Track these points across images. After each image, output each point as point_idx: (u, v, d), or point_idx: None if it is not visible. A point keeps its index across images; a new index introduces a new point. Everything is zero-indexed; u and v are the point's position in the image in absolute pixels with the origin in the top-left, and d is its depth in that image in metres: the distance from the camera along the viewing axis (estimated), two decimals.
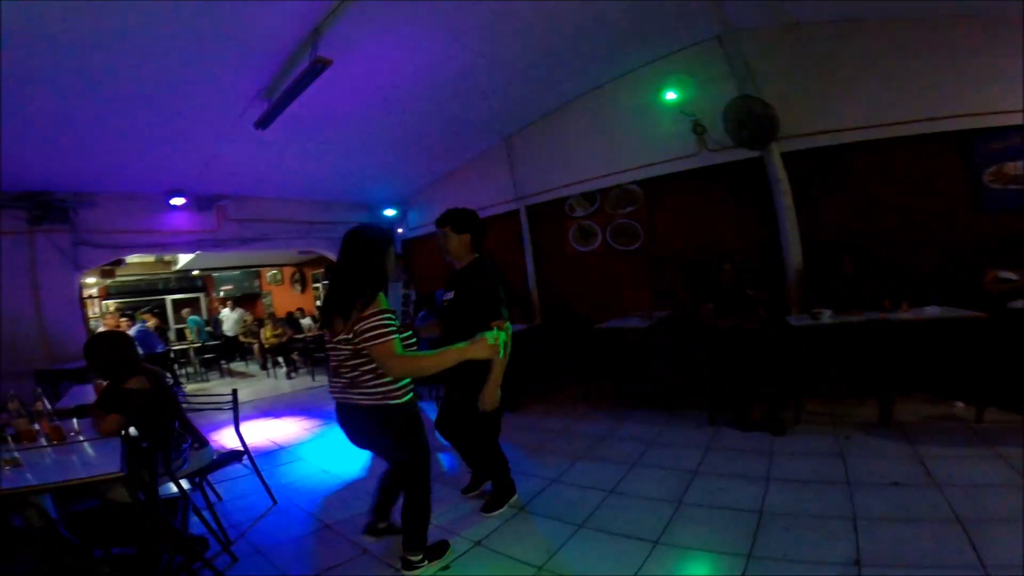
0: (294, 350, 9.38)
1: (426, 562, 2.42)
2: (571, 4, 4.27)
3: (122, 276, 10.92)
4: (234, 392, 3.38)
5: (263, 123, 4.64)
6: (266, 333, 9.68)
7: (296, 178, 6.84)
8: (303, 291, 12.68)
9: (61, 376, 5.16)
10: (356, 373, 2.16)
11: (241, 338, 10.92)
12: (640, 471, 3.35)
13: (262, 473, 3.41)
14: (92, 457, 2.25)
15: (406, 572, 2.38)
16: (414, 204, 8.62)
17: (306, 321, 10.59)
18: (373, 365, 2.11)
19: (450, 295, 2.89)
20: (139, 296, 12.18)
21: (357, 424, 2.28)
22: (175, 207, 6.65)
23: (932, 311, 3.87)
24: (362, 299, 2.09)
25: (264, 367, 9.78)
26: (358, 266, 2.20)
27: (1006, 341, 3.82)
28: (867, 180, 4.87)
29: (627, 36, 5.01)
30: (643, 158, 5.77)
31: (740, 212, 5.37)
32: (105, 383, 2.86)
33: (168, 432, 2.74)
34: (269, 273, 13.40)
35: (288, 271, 12.97)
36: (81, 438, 2.47)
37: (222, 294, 13.16)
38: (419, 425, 2.32)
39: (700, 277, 4.42)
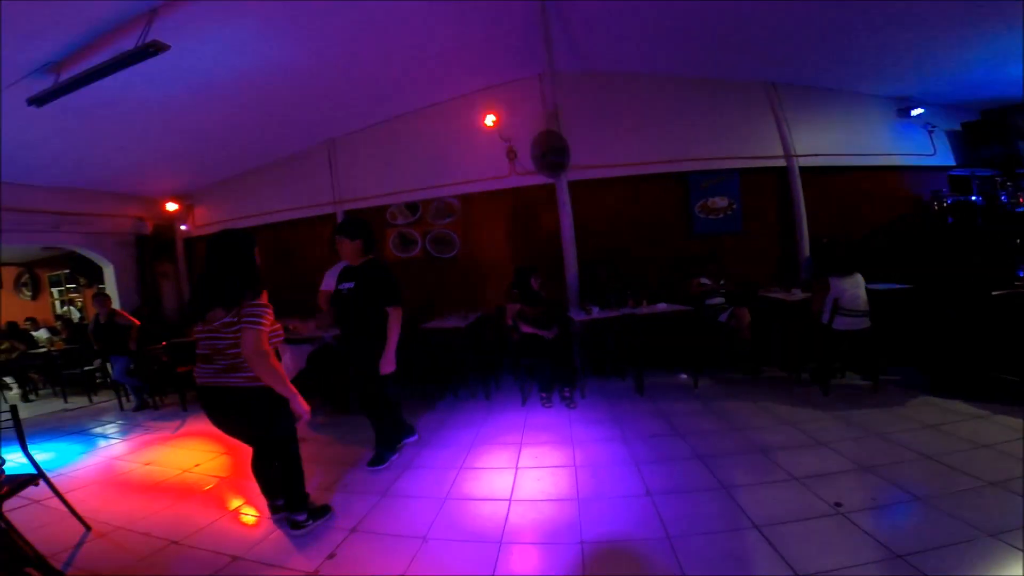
0: (30, 368, 7.67)
1: (310, 521, 2.84)
2: (411, 25, 4.64)
3: None
4: (13, 408, 3.02)
5: (41, 100, 3.98)
6: None
7: (60, 163, 5.70)
8: (35, 297, 10.15)
9: None
10: (239, 359, 2.45)
11: None
12: (478, 448, 4.00)
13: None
14: None
15: (294, 531, 2.80)
16: (204, 199, 7.79)
17: (41, 333, 8.60)
18: None
19: (350, 285, 3.57)
20: None
21: (232, 404, 2.56)
22: None
23: (662, 307, 5.26)
24: (252, 291, 2.46)
25: None
26: (236, 264, 2.55)
27: (704, 328, 5.56)
28: (622, 207, 6.35)
29: (460, 62, 5.59)
30: (463, 175, 6.45)
31: (537, 228, 6.44)
32: None
33: None
34: None
35: (10, 272, 10.21)
36: None
37: None
38: (285, 405, 2.61)
39: (512, 283, 5.30)
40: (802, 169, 6.21)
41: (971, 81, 6.13)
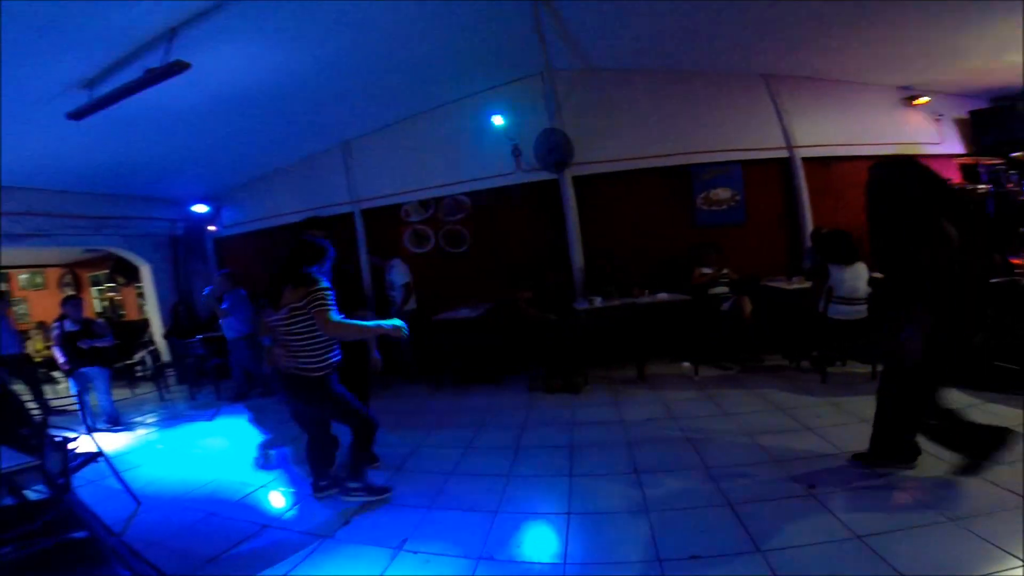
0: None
1: (364, 492, 3.11)
2: (419, 28, 4.82)
3: None
4: (80, 392, 3.38)
5: (79, 114, 4.33)
6: (36, 345, 8.28)
7: (99, 171, 6.13)
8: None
9: None
10: (291, 348, 2.84)
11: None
12: (484, 430, 4.30)
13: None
14: None
15: (345, 497, 3.11)
16: (230, 200, 8.20)
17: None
18: (305, 338, 2.82)
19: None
20: None
21: (293, 390, 2.96)
22: None
23: (663, 296, 5.45)
24: (309, 277, 2.85)
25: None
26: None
27: (706, 317, 5.67)
28: (624, 200, 6.49)
29: (467, 64, 5.80)
30: (472, 173, 6.70)
31: (543, 222, 6.64)
32: None
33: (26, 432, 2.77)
34: (22, 276, 10.97)
35: (54, 273, 10.92)
36: None
37: None
38: (335, 389, 2.97)
39: (525, 275, 5.59)
40: (805, 159, 6.25)
41: (974, 70, 6.05)
